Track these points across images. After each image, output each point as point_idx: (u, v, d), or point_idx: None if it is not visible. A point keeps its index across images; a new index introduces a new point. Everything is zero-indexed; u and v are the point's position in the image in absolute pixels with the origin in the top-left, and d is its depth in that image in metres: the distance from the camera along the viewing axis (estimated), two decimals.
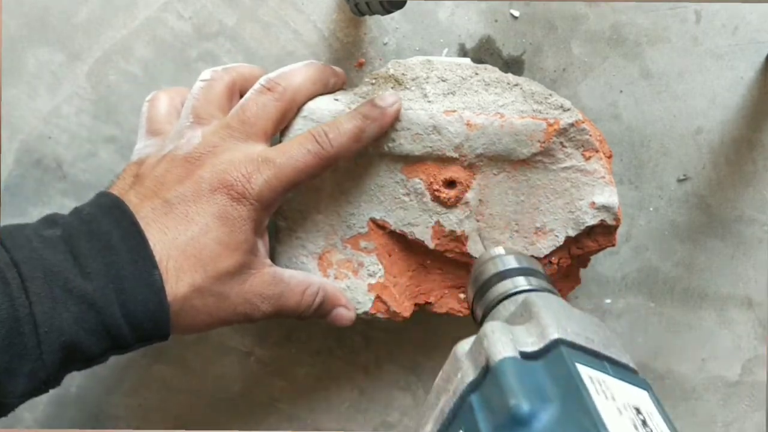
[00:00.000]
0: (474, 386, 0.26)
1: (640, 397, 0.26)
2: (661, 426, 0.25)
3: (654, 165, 0.46)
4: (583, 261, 0.41)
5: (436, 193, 0.39)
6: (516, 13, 0.45)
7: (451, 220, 0.40)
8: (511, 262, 0.36)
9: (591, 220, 0.38)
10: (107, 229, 0.33)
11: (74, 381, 0.46)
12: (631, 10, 0.45)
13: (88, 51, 0.45)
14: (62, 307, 0.31)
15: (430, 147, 0.38)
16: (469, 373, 0.26)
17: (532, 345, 0.26)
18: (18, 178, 0.45)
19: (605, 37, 0.46)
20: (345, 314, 0.41)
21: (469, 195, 0.39)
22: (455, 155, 0.38)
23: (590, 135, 0.38)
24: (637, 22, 0.45)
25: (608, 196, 0.38)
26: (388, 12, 0.39)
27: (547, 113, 0.38)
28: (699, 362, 0.46)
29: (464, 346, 0.28)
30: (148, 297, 0.33)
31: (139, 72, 0.45)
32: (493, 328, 0.26)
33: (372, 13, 0.40)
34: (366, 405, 0.51)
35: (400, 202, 0.40)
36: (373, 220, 0.41)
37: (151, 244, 0.33)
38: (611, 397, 0.25)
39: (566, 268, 0.41)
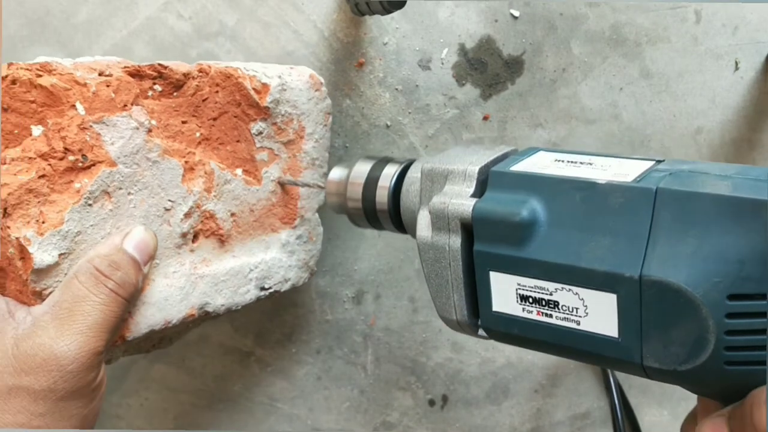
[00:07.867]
0: (468, 243, 0.29)
1: (544, 158, 0.30)
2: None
3: None
4: None
5: None
6: (516, 13, 0.45)
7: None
8: (363, 168, 0.36)
9: None
10: None
11: None
12: (631, 10, 0.45)
13: (88, 51, 0.45)
14: None
15: None
16: (455, 241, 0.29)
17: (470, 186, 0.29)
18: None
19: (605, 37, 0.46)
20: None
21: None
22: None
23: None
24: (637, 22, 0.45)
25: None
26: (388, 12, 0.39)
27: None
28: None
29: (423, 233, 0.30)
30: None
31: None
32: (441, 202, 0.29)
33: (372, 13, 0.40)
34: (366, 405, 0.51)
35: None
36: None
37: None
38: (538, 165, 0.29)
39: None
